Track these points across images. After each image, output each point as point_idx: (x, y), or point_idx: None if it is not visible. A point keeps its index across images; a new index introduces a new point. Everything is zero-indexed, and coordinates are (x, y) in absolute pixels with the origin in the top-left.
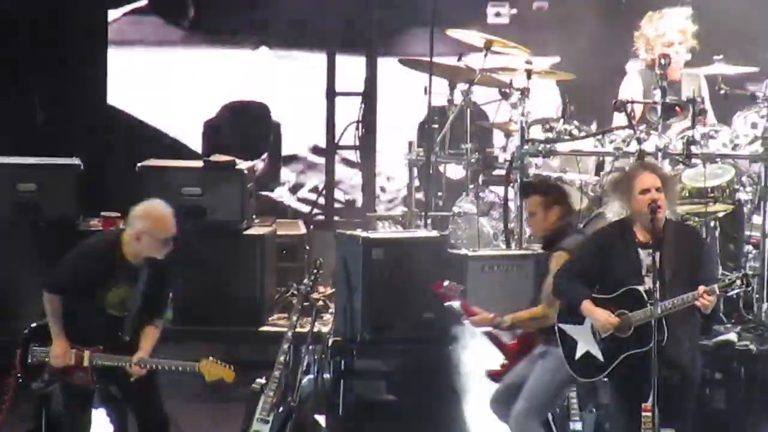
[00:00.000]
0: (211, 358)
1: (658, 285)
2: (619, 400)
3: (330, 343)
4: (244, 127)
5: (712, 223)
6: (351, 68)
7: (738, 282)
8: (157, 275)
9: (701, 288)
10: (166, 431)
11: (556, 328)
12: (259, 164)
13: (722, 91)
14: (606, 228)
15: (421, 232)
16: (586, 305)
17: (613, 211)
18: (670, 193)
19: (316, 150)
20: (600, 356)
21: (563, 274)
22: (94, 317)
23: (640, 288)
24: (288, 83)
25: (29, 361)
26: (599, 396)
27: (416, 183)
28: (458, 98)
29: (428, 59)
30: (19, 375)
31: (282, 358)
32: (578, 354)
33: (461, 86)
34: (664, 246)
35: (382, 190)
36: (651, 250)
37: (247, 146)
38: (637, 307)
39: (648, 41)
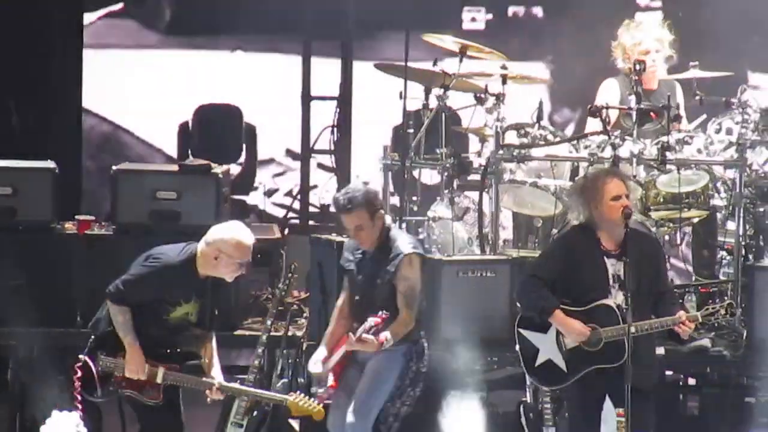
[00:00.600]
0: (300, 393)
1: (629, 298)
2: (576, 411)
3: (304, 347)
4: (219, 130)
5: (687, 229)
6: (326, 72)
7: (722, 311)
8: (215, 289)
9: (682, 314)
10: None
11: (516, 331)
12: (234, 168)
13: (697, 97)
14: (570, 233)
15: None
16: (558, 315)
17: (573, 214)
18: (631, 199)
19: (291, 154)
20: (563, 366)
21: (530, 280)
22: (155, 330)
23: (612, 304)
24: (263, 87)
25: (95, 369)
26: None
27: (391, 187)
28: (433, 103)
29: (403, 64)
30: (79, 383)
31: (256, 362)
32: (539, 361)
33: (436, 91)
34: (628, 254)
35: None
36: (616, 259)
37: (222, 150)
38: (609, 323)
39: (625, 49)
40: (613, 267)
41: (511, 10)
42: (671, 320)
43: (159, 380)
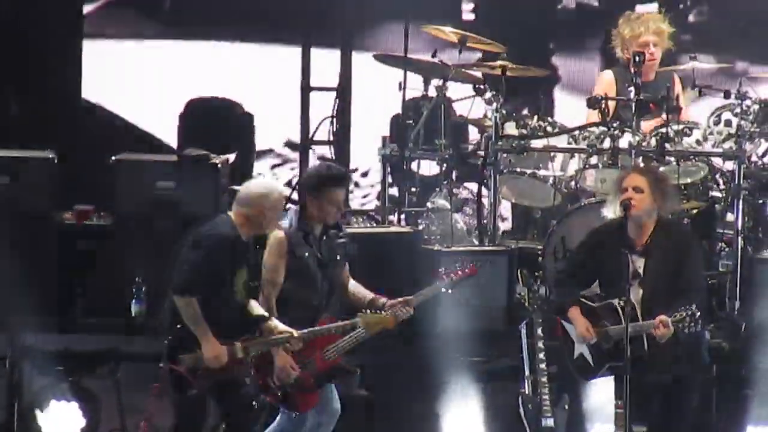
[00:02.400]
0: (367, 311)
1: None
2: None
3: None
4: (218, 121)
5: (685, 221)
6: (326, 63)
7: (687, 319)
8: (257, 246)
9: (658, 318)
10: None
11: (560, 324)
12: (233, 158)
13: (696, 89)
14: (601, 228)
15: (395, 228)
16: (572, 312)
17: (608, 210)
18: (659, 193)
19: (290, 145)
20: (591, 360)
21: (556, 274)
22: (227, 307)
23: (616, 303)
24: (263, 78)
25: (181, 370)
26: (579, 392)
27: (390, 178)
28: (432, 94)
29: (403, 55)
30: (165, 389)
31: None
32: (575, 353)
33: (435, 82)
34: (653, 250)
35: (356, 185)
36: (638, 255)
37: (221, 140)
38: (615, 321)
39: (624, 41)
40: (634, 263)
41: None
42: (648, 324)
43: (241, 355)
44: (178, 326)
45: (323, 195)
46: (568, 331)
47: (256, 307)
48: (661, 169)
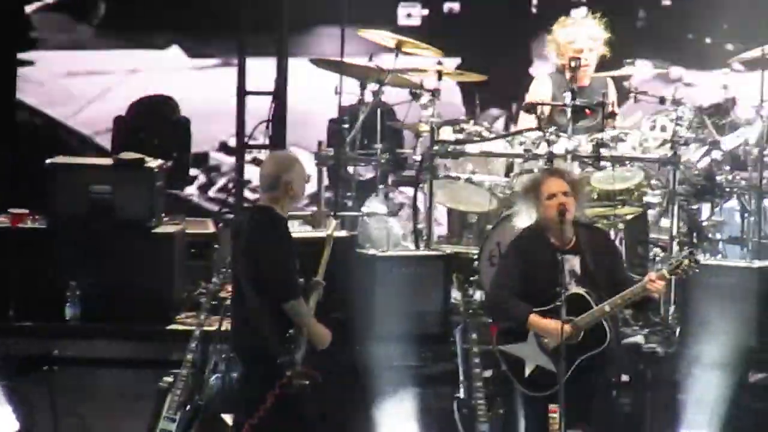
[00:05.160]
0: None
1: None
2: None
3: None
4: (154, 124)
5: (620, 226)
6: (262, 67)
7: (686, 262)
8: None
9: (651, 274)
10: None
11: (497, 352)
12: (169, 162)
13: (632, 95)
14: (522, 235)
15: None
16: (534, 319)
17: (521, 217)
18: (579, 196)
19: (226, 149)
20: (552, 367)
21: (496, 293)
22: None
23: (581, 291)
24: (199, 82)
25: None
26: (514, 399)
27: (326, 182)
28: (369, 98)
29: (339, 59)
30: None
31: (189, 357)
32: (528, 371)
33: (372, 86)
34: (584, 250)
35: None
36: (571, 255)
37: (157, 144)
38: (580, 311)
39: (559, 46)
40: (569, 263)
41: (446, 6)
42: (640, 286)
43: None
44: (285, 343)
45: None
46: (512, 352)
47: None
48: (597, 174)
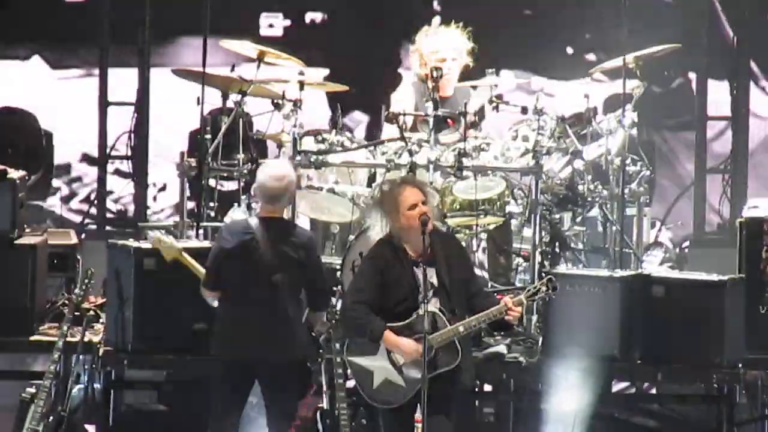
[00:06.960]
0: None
1: (435, 307)
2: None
3: (101, 353)
4: (15, 135)
5: (483, 236)
6: (124, 78)
7: (543, 288)
8: None
9: (507, 300)
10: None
11: (346, 362)
12: (33, 175)
13: (493, 105)
14: (376, 249)
15: (193, 242)
16: (389, 337)
17: (375, 230)
18: (429, 205)
19: (88, 159)
20: (402, 382)
21: (352, 308)
22: None
23: (434, 309)
24: (60, 93)
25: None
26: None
27: (188, 193)
28: (231, 109)
29: (201, 69)
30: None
31: (52, 368)
32: (376, 383)
33: (234, 97)
34: (439, 260)
35: (154, 200)
36: (426, 266)
37: (19, 155)
38: (435, 329)
39: (422, 56)
40: (427, 274)
41: (308, 16)
42: (496, 310)
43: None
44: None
45: None
46: (359, 364)
47: None
48: (459, 184)
